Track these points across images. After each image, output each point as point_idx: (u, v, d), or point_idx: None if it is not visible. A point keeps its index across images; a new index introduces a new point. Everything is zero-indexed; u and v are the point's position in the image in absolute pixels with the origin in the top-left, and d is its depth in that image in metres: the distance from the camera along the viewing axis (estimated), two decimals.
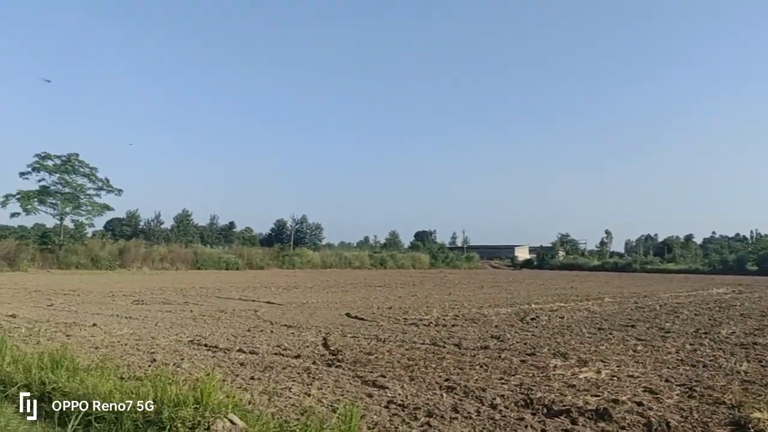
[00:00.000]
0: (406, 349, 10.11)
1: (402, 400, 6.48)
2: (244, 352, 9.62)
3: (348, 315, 15.92)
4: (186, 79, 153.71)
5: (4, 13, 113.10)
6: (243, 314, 15.75)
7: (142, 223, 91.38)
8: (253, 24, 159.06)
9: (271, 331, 12.31)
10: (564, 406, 6.12)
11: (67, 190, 51.76)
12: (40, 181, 51.49)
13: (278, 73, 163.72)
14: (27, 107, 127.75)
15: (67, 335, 11.23)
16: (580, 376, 7.86)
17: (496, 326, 13.68)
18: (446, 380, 7.59)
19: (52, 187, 51.38)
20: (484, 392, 6.83)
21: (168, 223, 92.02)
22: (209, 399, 5.28)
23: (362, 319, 14.97)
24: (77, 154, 52.36)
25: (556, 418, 5.74)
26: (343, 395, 6.73)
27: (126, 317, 14.52)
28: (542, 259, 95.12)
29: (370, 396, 6.69)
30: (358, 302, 20.62)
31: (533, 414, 5.92)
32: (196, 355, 9.33)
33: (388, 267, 70.83)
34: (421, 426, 5.53)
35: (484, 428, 5.47)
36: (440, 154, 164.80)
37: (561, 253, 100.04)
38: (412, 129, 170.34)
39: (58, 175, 51.11)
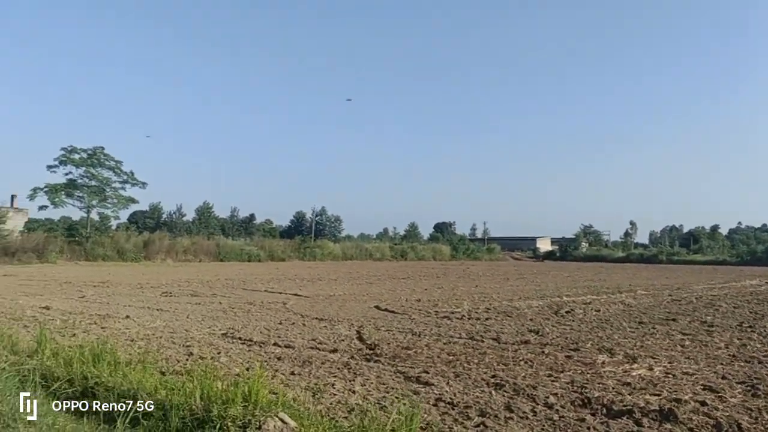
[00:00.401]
0: (444, 344, 9.86)
1: (451, 398, 6.24)
2: (280, 346, 9.46)
3: (378, 308, 15.71)
4: (207, 73, 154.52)
5: (30, 14, 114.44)
6: (272, 307, 15.63)
7: (164, 216, 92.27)
8: (274, 19, 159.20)
9: (303, 324, 12.15)
10: (625, 406, 5.82)
11: (93, 183, 52.22)
12: (67, 174, 52.09)
13: (297, 68, 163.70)
14: (52, 102, 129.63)
15: (102, 327, 11.19)
16: (633, 374, 7.55)
17: (531, 320, 13.37)
18: (492, 377, 7.33)
19: (79, 180, 51.89)
20: (535, 390, 6.56)
21: (190, 215, 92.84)
22: (258, 396, 5.10)
23: (393, 311, 14.75)
24: (103, 148, 52.90)
25: (619, 419, 5.45)
26: (388, 392, 6.51)
27: (157, 309, 14.47)
28: (565, 250, 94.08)
29: (416, 393, 6.47)
30: (385, 294, 20.42)
31: (593, 414, 5.63)
32: (231, 348, 9.19)
33: (409, 259, 70.52)
34: (477, 426, 5.29)
35: (543, 429, 5.22)
36: (459, 146, 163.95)
37: (584, 244, 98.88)
38: (430, 121, 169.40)
39: (84, 168, 51.60)
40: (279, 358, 8.42)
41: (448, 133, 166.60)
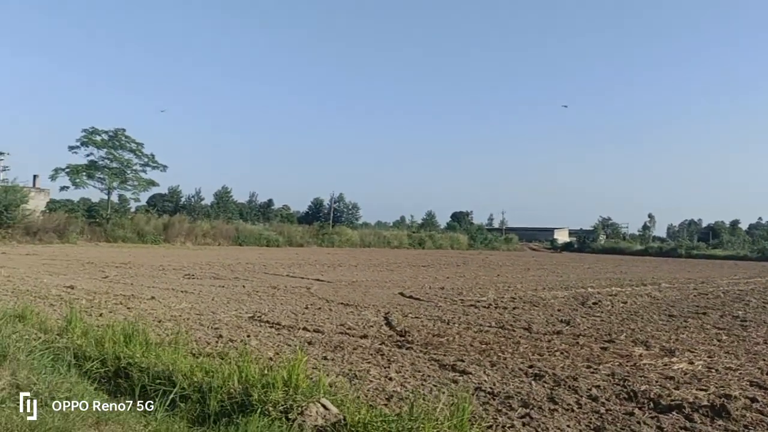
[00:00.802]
0: (476, 332, 9.70)
1: (491, 388, 6.09)
2: (309, 331, 9.36)
3: (402, 294, 15.59)
4: (226, 55, 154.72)
5: None
6: (296, 291, 15.55)
7: (183, 199, 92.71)
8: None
9: (330, 309, 12.06)
10: (673, 400, 5.62)
11: (114, 164, 52.50)
12: (88, 155, 52.34)
13: (316, 52, 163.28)
14: (75, 83, 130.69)
15: (128, 308, 11.18)
16: (674, 368, 7.32)
17: (559, 310, 13.16)
18: (530, 367, 7.17)
19: (100, 162, 52.18)
20: (576, 381, 6.38)
21: (208, 199, 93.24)
22: (298, 381, 4.97)
23: (418, 299, 14.61)
24: (124, 130, 53.04)
25: (668, 414, 5.26)
26: (425, 380, 6.38)
27: (182, 291, 14.46)
28: (583, 242, 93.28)
29: (454, 382, 6.32)
30: (408, 282, 20.28)
31: (640, 408, 5.43)
32: (260, 332, 9.11)
33: (427, 247, 70.25)
34: (521, 417, 5.13)
35: (590, 422, 5.04)
36: (476, 135, 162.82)
37: (602, 236, 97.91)
38: (446, 110, 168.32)
39: (105, 149, 51.85)
40: (309, 343, 8.32)
41: (466, 122, 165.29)
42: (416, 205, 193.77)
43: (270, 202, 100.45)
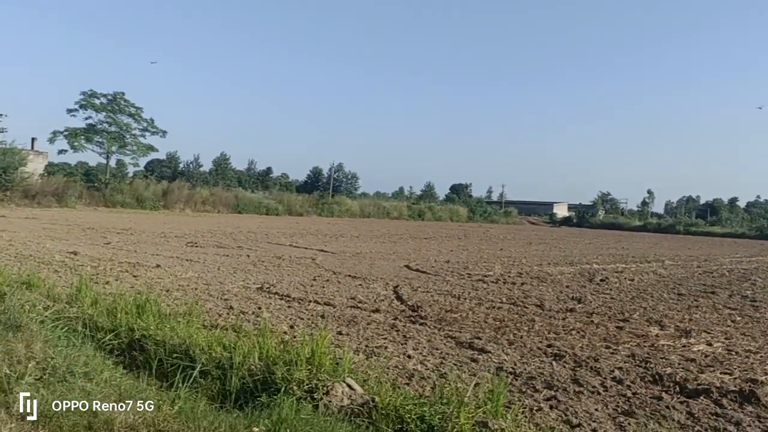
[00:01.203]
0: (488, 308, 9.60)
1: (512, 368, 5.99)
2: (320, 304, 9.25)
3: (408, 267, 15.49)
4: (226, 17, 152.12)
5: None
6: (302, 262, 15.43)
7: (181, 165, 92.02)
8: None
9: (338, 282, 11.94)
10: (699, 384, 5.51)
11: (113, 129, 51.99)
12: (86, 119, 51.84)
13: (317, 16, 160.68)
14: (74, 44, 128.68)
15: (134, 276, 11.05)
16: (694, 349, 7.23)
17: (567, 286, 13.09)
18: (548, 346, 7.07)
19: (99, 126, 51.63)
20: (597, 362, 6.28)
21: (206, 166, 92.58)
22: (322, 359, 4.83)
23: (424, 272, 14.51)
24: (123, 93, 52.39)
25: (697, 399, 5.15)
26: (444, 358, 6.27)
27: (186, 260, 14.32)
28: (582, 216, 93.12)
29: (474, 361, 6.22)
30: (412, 254, 20.17)
31: (667, 392, 5.33)
32: (271, 304, 8.99)
33: (426, 219, 70.14)
34: (547, 399, 5.02)
35: (618, 406, 4.94)
36: (475, 107, 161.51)
37: (601, 211, 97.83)
38: (450, 80, 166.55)
39: (104, 113, 51.27)
40: (322, 317, 8.21)
41: (465, 93, 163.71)
42: (415, 176, 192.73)
43: (269, 170, 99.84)
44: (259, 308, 8.49)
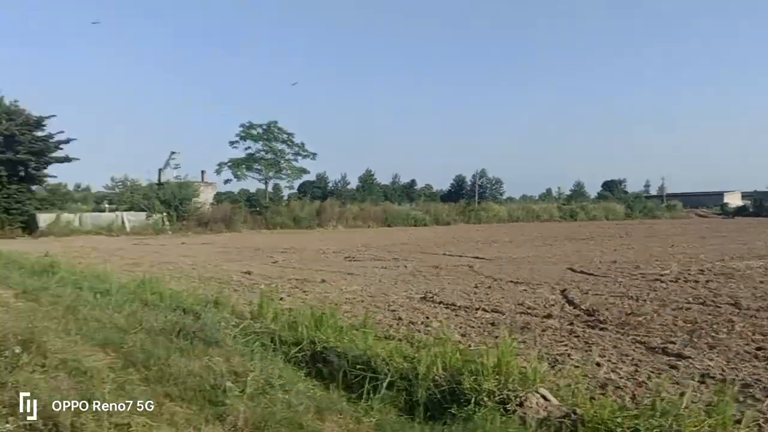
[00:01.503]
0: (674, 310, 8.73)
1: (720, 374, 5.31)
2: (487, 311, 8.99)
3: (572, 270, 14.68)
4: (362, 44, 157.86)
5: None
6: (459, 270, 15.27)
7: (330, 185, 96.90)
8: None
9: (501, 288, 11.60)
10: None
11: (269, 156, 56.16)
12: (246, 149, 56.63)
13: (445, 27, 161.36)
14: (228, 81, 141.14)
15: (303, 291, 11.59)
16: None
17: (761, 282, 11.59)
18: (758, 349, 6.23)
19: (257, 155, 56.09)
20: None
21: (353, 183, 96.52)
22: (510, 368, 4.60)
23: (591, 274, 13.65)
24: (276, 122, 56.61)
25: None
26: (636, 366, 5.73)
27: (348, 273, 14.80)
28: (760, 205, 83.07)
29: (673, 367, 5.61)
30: (572, 256, 19.15)
31: None
32: (438, 313, 8.91)
33: (579, 219, 66.68)
34: None
35: None
36: (632, 99, 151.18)
37: None
38: (601, 75, 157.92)
39: (261, 142, 55.59)
40: (492, 324, 7.96)
41: (610, 84, 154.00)
42: (562, 177, 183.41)
43: (413, 183, 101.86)
44: (427, 318, 8.45)
